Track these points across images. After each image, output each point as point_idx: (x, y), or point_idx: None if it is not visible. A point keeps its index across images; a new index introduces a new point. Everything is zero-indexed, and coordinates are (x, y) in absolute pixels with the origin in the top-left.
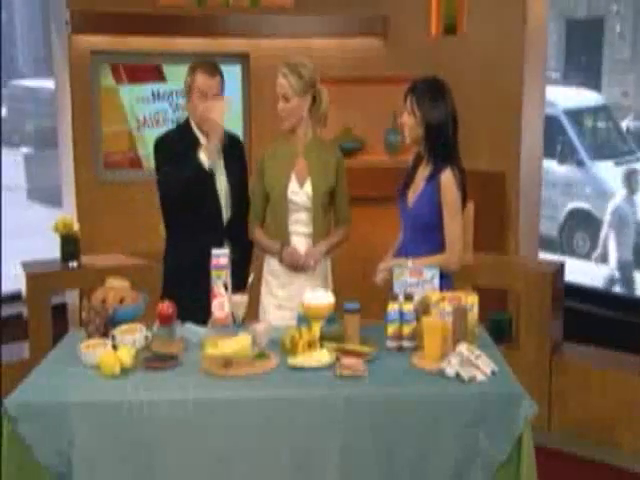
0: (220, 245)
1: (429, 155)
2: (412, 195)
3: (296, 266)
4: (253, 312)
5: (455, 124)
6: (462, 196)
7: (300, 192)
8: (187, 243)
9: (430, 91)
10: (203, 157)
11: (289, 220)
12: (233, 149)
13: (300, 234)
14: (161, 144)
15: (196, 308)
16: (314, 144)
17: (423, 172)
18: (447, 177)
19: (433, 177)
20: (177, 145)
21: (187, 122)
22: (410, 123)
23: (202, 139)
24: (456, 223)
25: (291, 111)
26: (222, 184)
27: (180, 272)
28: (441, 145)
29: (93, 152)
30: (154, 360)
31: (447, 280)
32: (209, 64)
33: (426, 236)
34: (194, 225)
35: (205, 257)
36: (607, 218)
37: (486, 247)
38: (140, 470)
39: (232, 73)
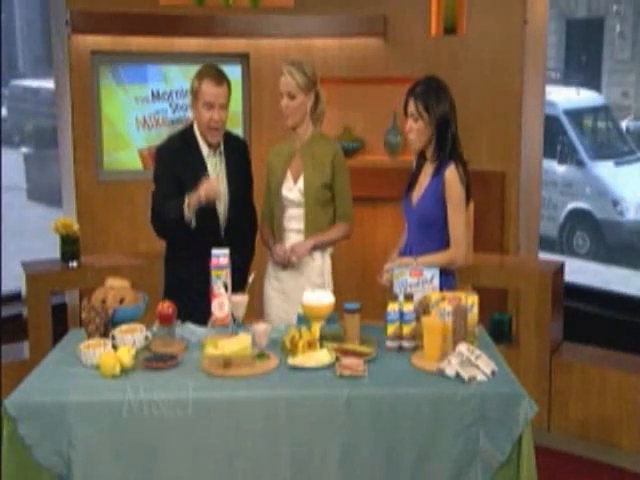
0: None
1: (436, 153)
2: (416, 194)
3: (282, 263)
4: (255, 310)
5: (455, 119)
6: (466, 192)
7: (294, 188)
8: (185, 250)
9: (432, 90)
10: (186, 206)
11: (284, 216)
12: (237, 152)
13: (294, 230)
14: (162, 153)
15: (197, 313)
16: (313, 141)
17: (427, 171)
18: (451, 173)
19: (437, 173)
20: (180, 155)
21: (191, 127)
22: (418, 127)
23: (204, 146)
24: (460, 219)
25: (296, 108)
26: (221, 190)
27: (180, 279)
28: (448, 141)
29: (93, 152)
30: (154, 360)
31: (450, 279)
32: (216, 72)
33: (431, 234)
34: (192, 231)
35: (204, 264)
36: None
37: (486, 247)
38: (140, 470)
39: (232, 73)
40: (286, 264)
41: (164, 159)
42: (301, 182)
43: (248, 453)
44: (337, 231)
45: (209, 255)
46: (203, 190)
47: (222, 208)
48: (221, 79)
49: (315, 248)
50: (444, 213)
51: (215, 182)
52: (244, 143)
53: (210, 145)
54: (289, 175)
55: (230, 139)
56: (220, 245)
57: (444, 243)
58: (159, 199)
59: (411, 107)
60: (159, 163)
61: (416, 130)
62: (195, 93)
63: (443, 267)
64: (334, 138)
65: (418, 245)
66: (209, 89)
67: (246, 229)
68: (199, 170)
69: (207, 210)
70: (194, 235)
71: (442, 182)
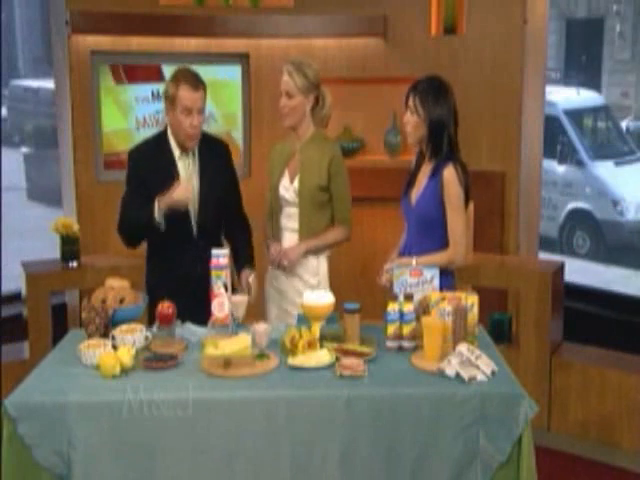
0: (193, 259)
1: (432, 153)
2: (415, 194)
3: (275, 263)
4: (255, 310)
5: (456, 122)
6: (465, 192)
7: (290, 188)
8: (160, 252)
9: (432, 89)
10: (156, 208)
11: (281, 215)
12: (214, 154)
13: (289, 229)
14: (131, 157)
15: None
16: (313, 141)
17: (425, 170)
18: (449, 173)
19: (435, 173)
20: (150, 158)
21: (165, 132)
22: (413, 121)
23: (175, 148)
24: (459, 219)
25: (292, 109)
26: (194, 191)
27: (157, 280)
28: (444, 142)
29: (93, 152)
30: (154, 360)
31: (449, 279)
32: (192, 76)
33: (430, 234)
34: (164, 233)
35: (179, 266)
36: None
37: (486, 247)
38: (140, 470)
39: (232, 73)
40: (278, 266)
41: (133, 162)
42: (297, 182)
43: (248, 453)
44: (334, 235)
45: (183, 257)
46: (174, 193)
47: (193, 209)
48: (198, 83)
49: (309, 252)
50: (443, 213)
51: (187, 186)
52: (224, 145)
53: (182, 148)
54: (286, 174)
55: (208, 140)
56: (194, 247)
57: (443, 243)
58: (126, 206)
59: (410, 101)
60: (128, 167)
61: (412, 123)
62: (171, 99)
63: (442, 267)
64: (335, 140)
65: (417, 245)
66: (187, 94)
67: (239, 235)
68: (168, 173)
69: (178, 212)
70: (166, 237)
71: (440, 182)
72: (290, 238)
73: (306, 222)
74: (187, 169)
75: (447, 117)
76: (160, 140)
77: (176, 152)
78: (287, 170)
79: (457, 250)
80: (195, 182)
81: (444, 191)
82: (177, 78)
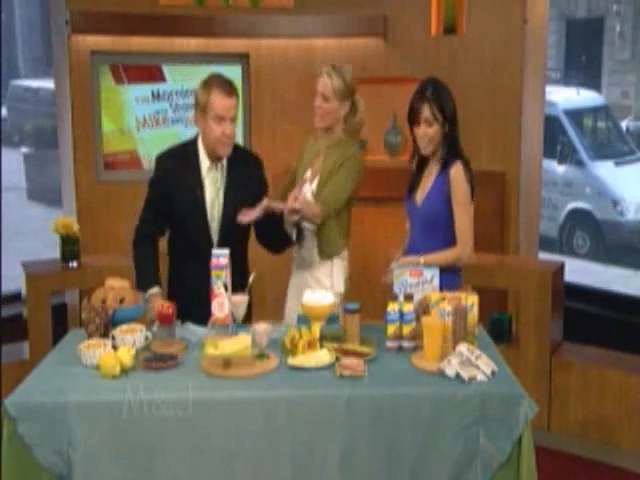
0: (206, 274)
1: (446, 153)
2: (420, 194)
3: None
4: (258, 310)
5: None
6: (471, 190)
7: (309, 190)
8: (180, 264)
9: (440, 89)
10: (145, 299)
11: None
12: (243, 168)
13: (309, 231)
14: (161, 163)
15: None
16: (337, 145)
17: (432, 170)
18: (457, 170)
19: (443, 172)
20: (177, 170)
21: (195, 141)
22: (432, 131)
23: (204, 160)
24: (466, 216)
25: (327, 112)
26: (215, 212)
27: (177, 292)
28: (457, 140)
29: (93, 152)
30: (154, 360)
31: (454, 278)
32: (225, 82)
33: (435, 233)
34: (184, 246)
35: (199, 280)
36: None
37: (486, 247)
38: (140, 470)
39: (232, 73)
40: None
41: (159, 170)
42: (315, 184)
43: (248, 453)
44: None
45: (203, 271)
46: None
47: (215, 224)
48: (231, 90)
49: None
50: (449, 211)
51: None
52: (256, 159)
53: (212, 159)
54: (309, 174)
55: (240, 154)
56: (205, 268)
57: (448, 242)
58: (144, 217)
59: (425, 112)
60: (155, 173)
61: (431, 133)
62: (203, 106)
63: (449, 265)
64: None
65: (423, 244)
66: (220, 101)
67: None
68: (192, 191)
69: (198, 227)
70: (186, 252)
71: (448, 180)
72: (311, 239)
73: (322, 228)
74: (215, 182)
75: (455, 112)
76: (189, 151)
77: (204, 165)
78: (310, 169)
79: (464, 247)
80: (221, 196)
81: (451, 189)
82: (209, 84)
